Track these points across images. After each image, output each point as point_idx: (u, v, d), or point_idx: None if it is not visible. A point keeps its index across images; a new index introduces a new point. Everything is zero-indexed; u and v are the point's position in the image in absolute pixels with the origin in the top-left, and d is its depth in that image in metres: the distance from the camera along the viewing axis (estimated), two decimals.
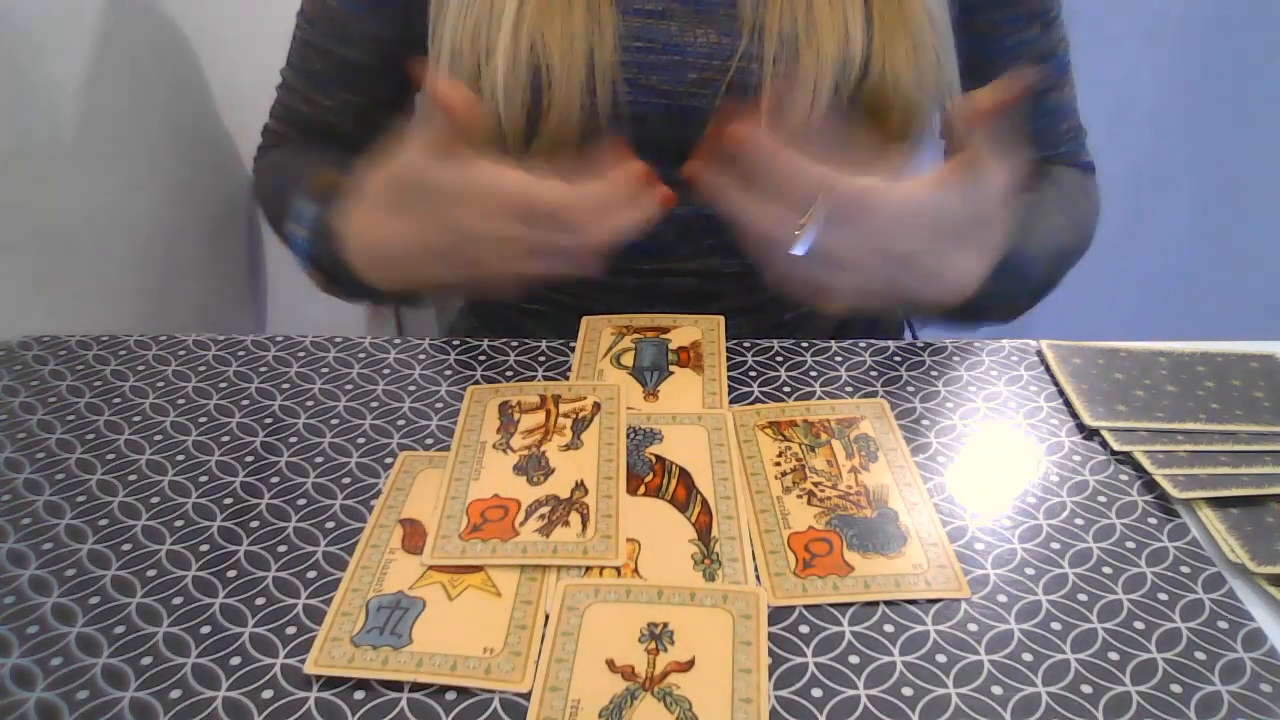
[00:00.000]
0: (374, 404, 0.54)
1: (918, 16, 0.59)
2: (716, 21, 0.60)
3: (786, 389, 0.55)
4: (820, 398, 0.54)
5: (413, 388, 0.55)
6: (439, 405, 0.53)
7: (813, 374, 0.56)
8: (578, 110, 0.58)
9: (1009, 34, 0.63)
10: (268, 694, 0.37)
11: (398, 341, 0.59)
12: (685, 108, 0.60)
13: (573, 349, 0.58)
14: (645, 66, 0.60)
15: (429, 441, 0.51)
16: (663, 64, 0.60)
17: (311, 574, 0.43)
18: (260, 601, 0.41)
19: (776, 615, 0.40)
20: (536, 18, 0.57)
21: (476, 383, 0.55)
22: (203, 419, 0.52)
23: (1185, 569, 0.43)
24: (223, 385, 0.55)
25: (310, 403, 0.54)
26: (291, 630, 0.40)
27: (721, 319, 0.61)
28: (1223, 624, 0.40)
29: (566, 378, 0.56)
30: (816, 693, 0.37)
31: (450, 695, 0.37)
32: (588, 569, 0.42)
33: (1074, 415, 0.52)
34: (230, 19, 0.89)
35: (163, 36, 0.86)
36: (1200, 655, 0.39)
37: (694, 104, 0.60)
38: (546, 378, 0.56)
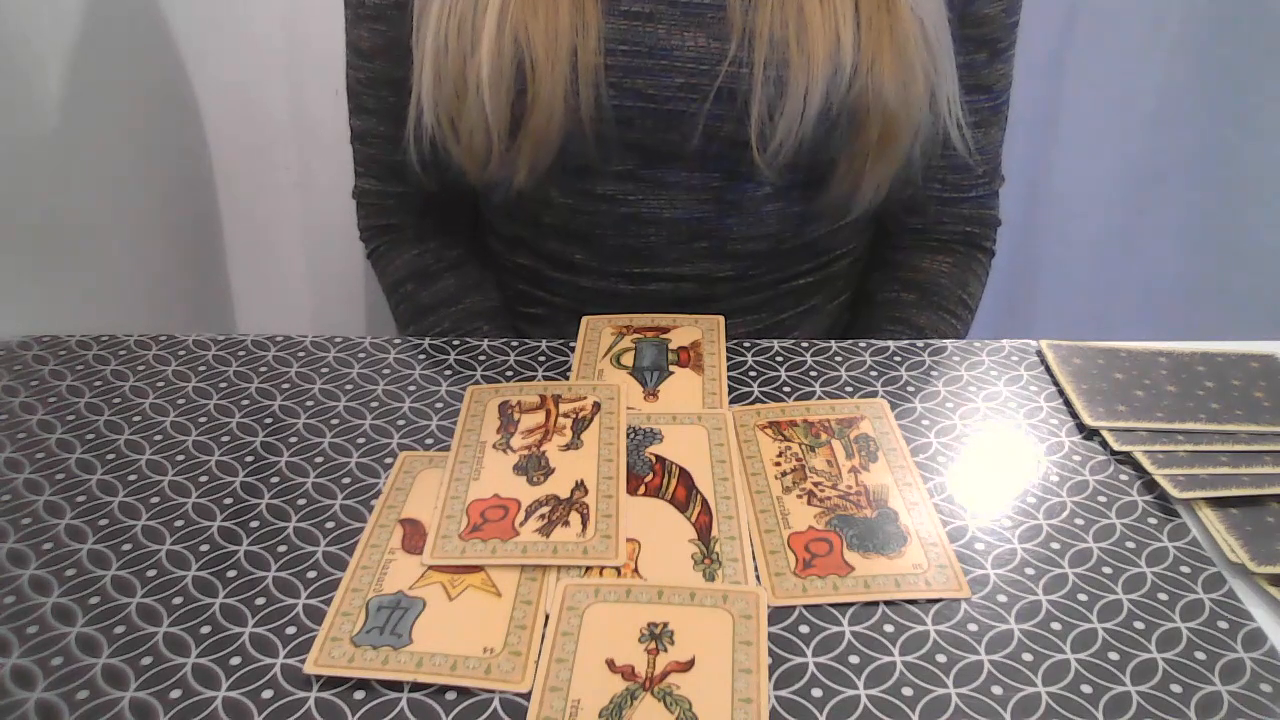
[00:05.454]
0: (374, 404, 0.54)
1: (905, 28, 0.57)
2: (705, 25, 0.58)
3: (786, 389, 0.55)
4: (820, 398, 0.54)
5: (413, 388, 0.55)
6: (439, 405, 0.53)
7: (813, 374, 0.56)
8: (561, 108, 0.57)
9: (957, 54, 0.60)
10: (268, 694, 0.37)
11: (398, 341, 0.59)
12: (671, 111, 0.59)
13: (573, 349, 0.58)
14: (630, 70, 0.59)
15: (429, 441, 0.51)
16: (648, 68, 0.59)
17: (311, 574, 0.43)
18: (260, 601, 0.41)
19: (776, 615, 0.40)
20: (520, 11, 0.56)
21: (476, 383, 0.55)
22: (203, 419, 0.52)
23: (1185, 569, 0.43)
24: (223, 385, 0.55)
25: (310, 403, 0.54)
26: (291, 630, 0.40)
27: (721, 319, 0.61)
28: (1223, 624, 0.40)
29: (566, 378, 0.56)
30: (816, 693, 0.37)
31: (450, 695, 0.37)
32: (588, 569, 0.42)
33: (1074, 415, 0.52)
34: (215, 21, 0.90)
35: (151, 38, 0.87)
36: (1200, 655, 0.39)
37: (681, 108, 0.59)
38: (546, 378, 0.56)
